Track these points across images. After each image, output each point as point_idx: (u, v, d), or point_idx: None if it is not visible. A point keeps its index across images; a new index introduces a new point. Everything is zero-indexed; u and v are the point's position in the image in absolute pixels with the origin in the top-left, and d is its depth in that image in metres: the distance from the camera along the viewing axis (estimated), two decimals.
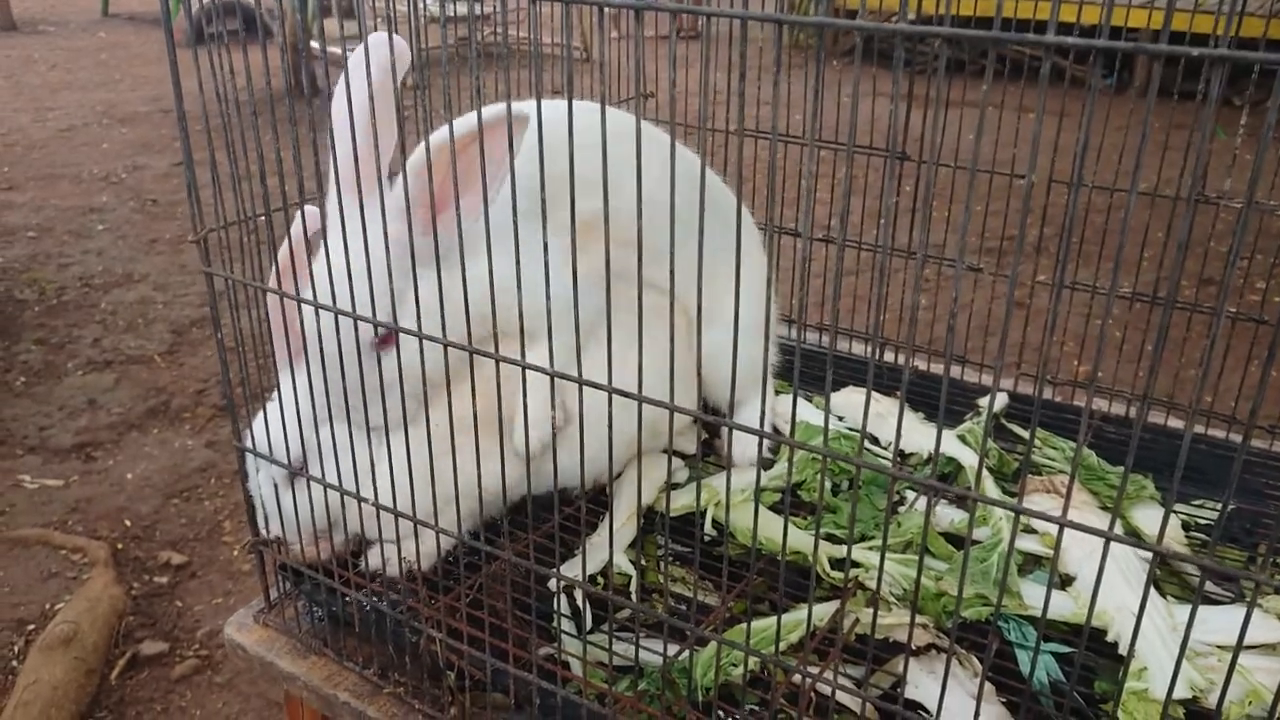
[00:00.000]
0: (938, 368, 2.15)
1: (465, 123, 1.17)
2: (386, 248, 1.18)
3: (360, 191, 1.24)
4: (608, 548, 1.44)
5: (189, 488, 4.28)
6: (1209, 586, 1.52)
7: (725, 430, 1.82)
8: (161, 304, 5.74)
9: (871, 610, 1.31)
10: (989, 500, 0.77)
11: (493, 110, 1.14)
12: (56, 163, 8.01)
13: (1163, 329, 0.83)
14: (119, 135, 8.76)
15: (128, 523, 4.03)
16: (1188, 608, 1.42)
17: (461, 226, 1.28)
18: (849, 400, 1.93)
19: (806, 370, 2.14)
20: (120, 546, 3.91)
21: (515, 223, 1.05)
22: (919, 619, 1.34)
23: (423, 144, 1.21)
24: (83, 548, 3.86)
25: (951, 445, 1.74)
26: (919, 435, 1.82)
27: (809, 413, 1.86)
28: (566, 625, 1.38)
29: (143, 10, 14.19)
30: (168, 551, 3.91)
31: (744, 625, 1.20)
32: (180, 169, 7.89)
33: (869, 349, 2.22)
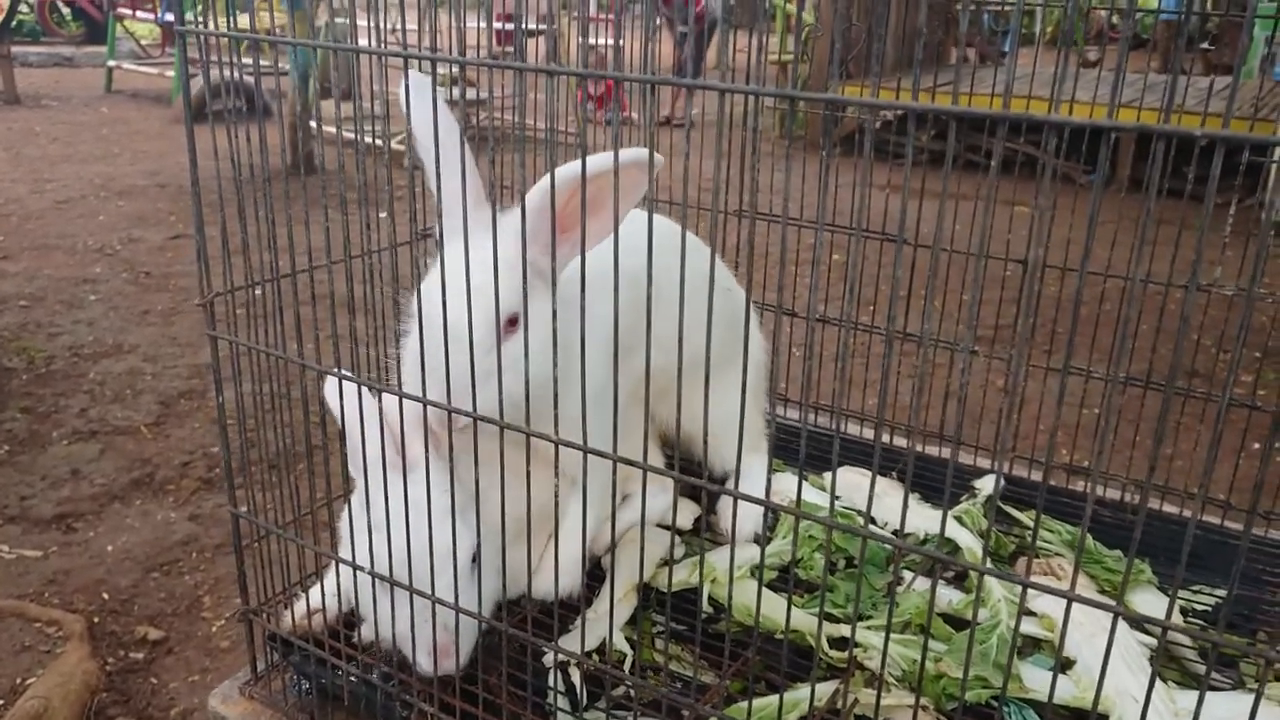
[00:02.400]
0: (930, 449, 2.16)
1: (598, 161, 1.20)
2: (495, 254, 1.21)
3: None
4: (603, 623, 1.42)
5: (169, 561, 4.21)
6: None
7: (722, 506, 1.82)
8: (150, 375, 5.72)
9: (868, 690, 1.29)
10: (995, 574, 0.77)
11: (629, 152, 1.19)
12: (52, 233, 8.05)
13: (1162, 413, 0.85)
14: (115, 208, 8.83)
15: (105, 596, 3.96)
16: (1186, 693, 1.41)
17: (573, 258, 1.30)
18: (845, 480, 1.93)
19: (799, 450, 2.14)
20: (97, 620, 3.82)
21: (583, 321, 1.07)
22: (909, 699, 1.32)
23: (546, 177, 1.24)
24: (58, 620, 3.77)
25: (948, 526, 1.73)
26: (914, 515, 1.82)
27: (805, 492, 1.86)
28: (562, 702, 1.36)
29: (145, 87, 14.41)
30: (145, 626, 3.83)
31: (741, 704, 1.18)
32: (175, 242, 7.95)
33: (856, 427, 2.23)
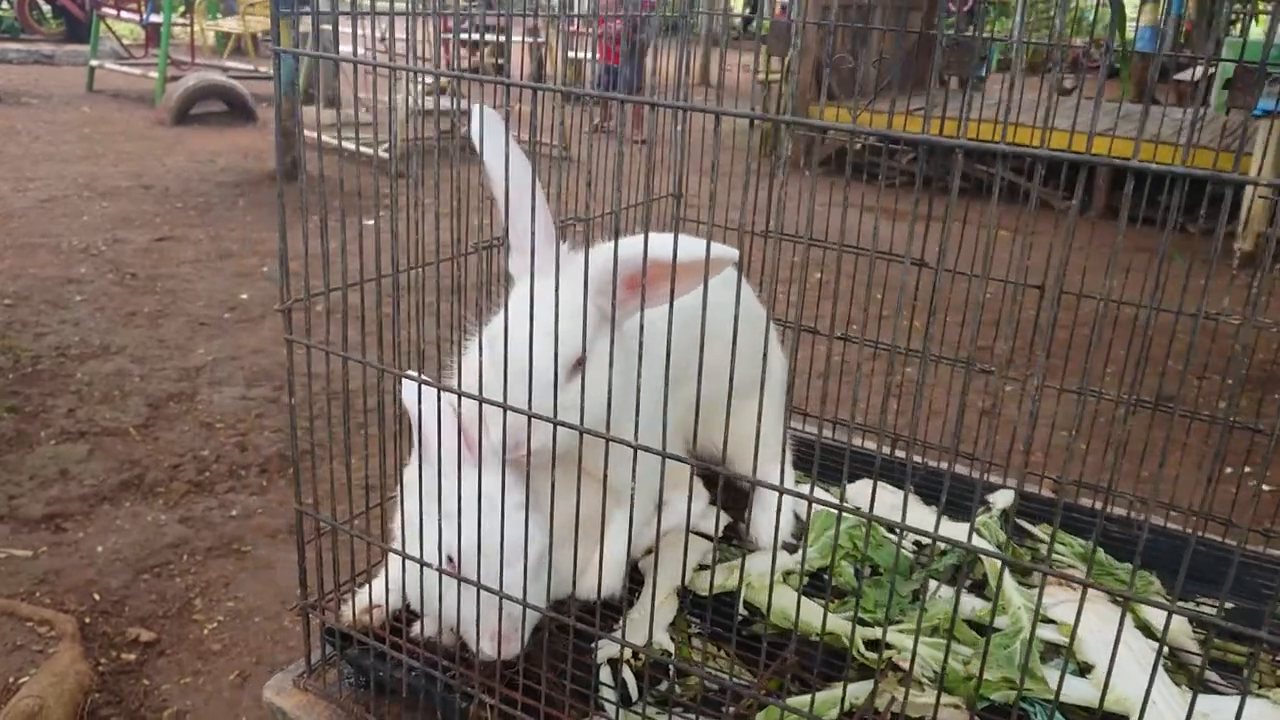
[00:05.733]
0: (941, 465, 2.23)
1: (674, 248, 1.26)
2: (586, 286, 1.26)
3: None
4: (647, 625, 1.49)
5: (160, 563, 4.21)
6: (1214, 678, 1.59)
7: (748, 514, 1.89)
8: (138, 377, 5.71)
9: (905, 690, 1.37)
10: (1055, 574, 0.84)
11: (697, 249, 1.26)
12: (35, 232, 8.00)
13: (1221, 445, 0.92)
14: (99, 208, 8.79)
15: (96, 596, 3.95)
16: (1199, 696, 1.50)
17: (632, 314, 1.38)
18: (865, 492, 2.00)
19: (825, 463, 2.20)
20: (88, 621, 3.82)
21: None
22: (948, 699, 1.40)
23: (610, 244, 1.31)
24: (49, 620, 3.76)
25: (967, 538, 1.81)
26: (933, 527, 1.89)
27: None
28: (619, 694, 1.42)
29: (127, 88, 14.33)
30: (136, 628, 3.83)
31: (797, 697, 1.25)
32: (161, 244, 7.93)
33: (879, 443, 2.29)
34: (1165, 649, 1.58)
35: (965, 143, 1.01)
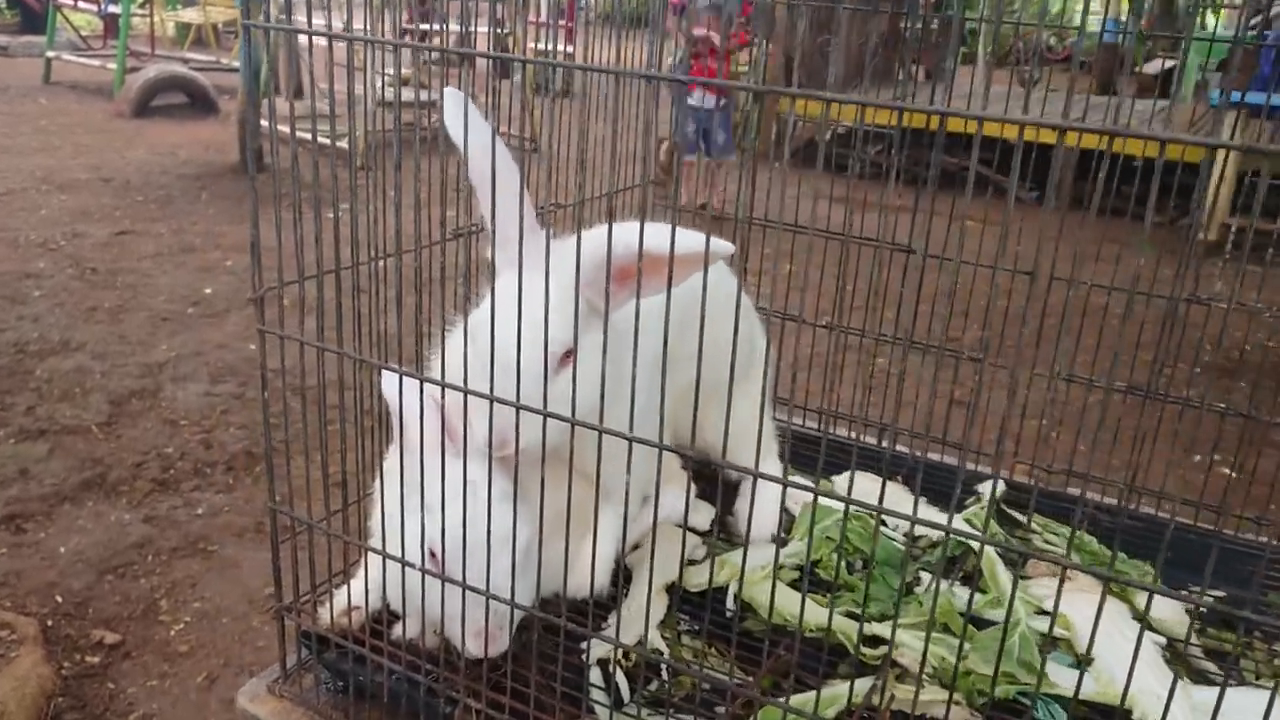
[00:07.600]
0: (932, 454, 2.21)
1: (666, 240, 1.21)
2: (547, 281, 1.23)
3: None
4: (638, 622, 1.45)
5: (124, 564, 4.11)
6: (1210, 668, 1.58)
7: (739, 507, 1.86)
8: (99, 374, 5.58)
9: (903, 686, 1.33)
10: (1075, 565, 0.81)
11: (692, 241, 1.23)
12: None
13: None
14: (58, 202, 8.60)
15: (59, 598, 3.86)
16: (1197, 688, 1.49)
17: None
18: (858, 486, 1.96)
19: (807, 455, 2.17)
20: (50, 623, 3.72)
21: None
22: (948, 695, 1.37)
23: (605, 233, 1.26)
24: (10, 623, 3.66)
25: (961, 529, 1.78)
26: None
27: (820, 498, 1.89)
28: (611, 696, 1.38)
29: (85, 79, 14.06)
30: (100, 630, 3.74)
31: (797, 695, 1.21)
32: (121, 238, 7.77)
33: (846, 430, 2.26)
34: (1167, 640, 1.56)
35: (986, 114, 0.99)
